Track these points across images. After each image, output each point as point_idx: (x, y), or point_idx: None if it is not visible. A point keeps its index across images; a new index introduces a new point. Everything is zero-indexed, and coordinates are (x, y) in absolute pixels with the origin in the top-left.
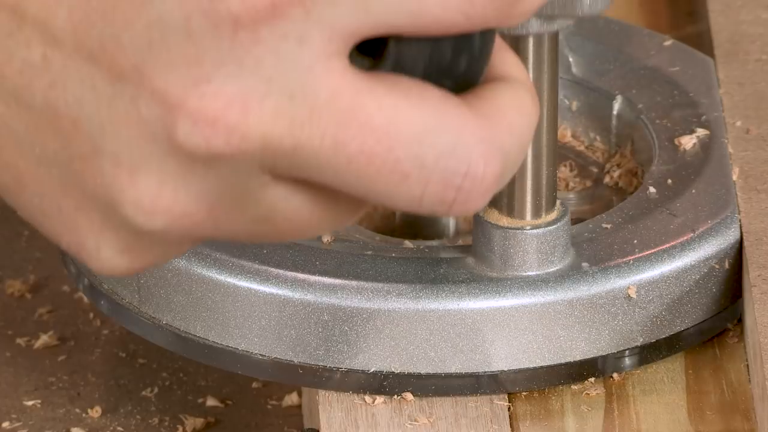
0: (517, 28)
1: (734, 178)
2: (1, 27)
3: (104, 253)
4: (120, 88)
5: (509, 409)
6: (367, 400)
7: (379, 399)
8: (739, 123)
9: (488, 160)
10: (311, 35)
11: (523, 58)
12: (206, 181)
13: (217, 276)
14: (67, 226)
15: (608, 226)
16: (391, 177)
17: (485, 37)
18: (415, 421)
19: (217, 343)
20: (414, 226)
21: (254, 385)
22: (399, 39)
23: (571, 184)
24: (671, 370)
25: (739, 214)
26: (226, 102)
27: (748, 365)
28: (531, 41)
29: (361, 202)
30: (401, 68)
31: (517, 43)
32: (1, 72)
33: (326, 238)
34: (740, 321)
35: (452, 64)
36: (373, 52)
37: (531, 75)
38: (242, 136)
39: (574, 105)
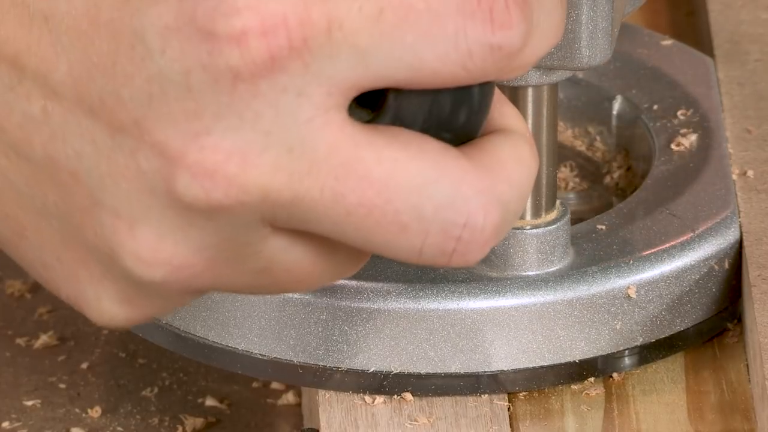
0: (516, 80)
1: (734, 178)
2: (0, 80)
3: (104, 305)
4: (120, 141)
5: (509, 409)
6: (366, 400)
7: (379, 399)
8: (739, 123)
9: (487, 211)
10: (310, 89)
11: (522, 108)
12: (206, 233)
13: None
14: (66, 277)
15: (608, 226)
16: (390, 229)
17: (484, 89)
18: (415, 420)
19: (217, 342)
20: None
21: (254, 385)
22: (398, 91)
23: (571, 184)
24: (671, 370)
25: (738, 214)
26: (225, 155)
27: (747, 365)
28: (530, 92)
29: (361, 254)
30: (400, 121)
31: (516, 94)
32: (1, 125)
33: None
34: (740, 321)
35: (451, 116)
36: (372, 104)
37: (530, 125)
38: (241, 188)
39: (574, 105)
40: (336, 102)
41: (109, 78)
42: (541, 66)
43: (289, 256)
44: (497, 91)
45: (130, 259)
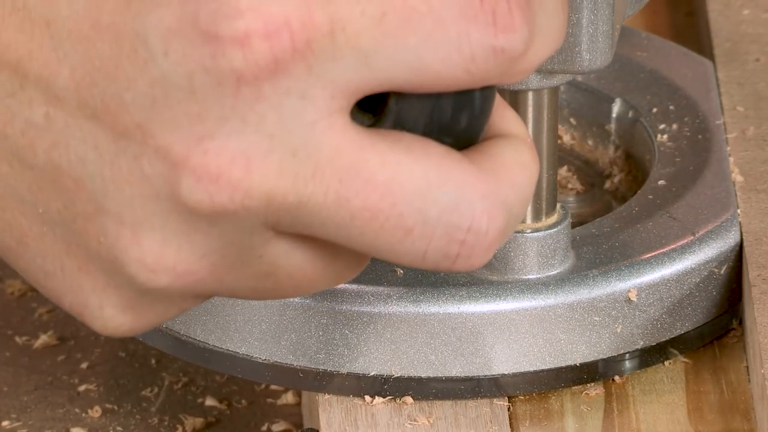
0: (517, 84)
1: (734, 178)
2: (2, 86)
3: (107, 313)
4: (123, 146)
5: (509, 409)
6: (366, 399)
7: (379, 399)
8: (738, 123)
9: (491, 215)
10: (313, 91)
11: (523, 112)
12: (210, 238)
13: None
14: (69, 286)
15: (608, 229)
16: (394, 233)
17: (486, 93)
18: (415, 421)
19: (218, 346)
20: None
21: (254, 385)
22: (400, 95)
23: (571, 187)
24: (671, 370)
25: (738, 214)
26: (229, 158)
27: (747, 365)
28: (530, 96)
29: (362, 258)
30: (402, 125)
31: (516, 98)
32: (3, 132)
33: None
34: (741, 322)
35: (453, 121)
36: (373, 109)
37: (530, 129)
38: (246, 192)
39: (574, 108)
40: (339, 105)
41: (111, 82)
42: (542, 70)
43: (292, 260)
44: (498, 96)
45: (134, 266)
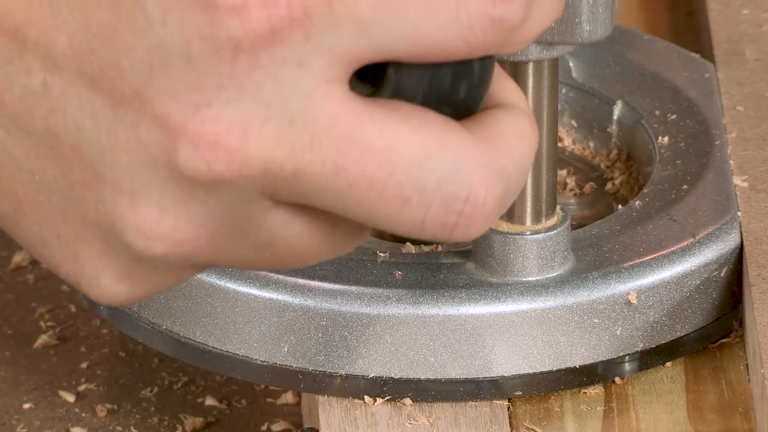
0: (517, 55)
1: (733, 177)
2: (0, 53)
3: (104, 281)
4: (120, 113)
5: (509, 409)
6: (366, 399)
7: (378, 401)
8: (738, 123)
9: (489, 184)
10: (311, 60)
11: (523, 83)
12: (207, 206)
13: (217, 281)
14: (66, 254)
15: (608, 231)
16: (392, 202)
17: (485, 63)
18: (415, 421)
19: (217, 348)
20: None
21: (254, 384)
22: (398, 65)
23: (571, 188)
24: (671, 370)
25: (738, 216)
26: (226, 127)
27: (747, 365)
28: (531, 67)
29: (362, 228)
30: (400, 95)
31: (516, 69)
32: (1, 99)
33: None
34: (742, 323)
35: (452, 91)
36: (372, 79)
37: (530, 101)
38: (243, 160)
39: (575, 110)
40: (337, 74)
41: (109, 48)
42: (542, 41)
43: (290, 230)
44: (497, 66)
45: (131, 233)
